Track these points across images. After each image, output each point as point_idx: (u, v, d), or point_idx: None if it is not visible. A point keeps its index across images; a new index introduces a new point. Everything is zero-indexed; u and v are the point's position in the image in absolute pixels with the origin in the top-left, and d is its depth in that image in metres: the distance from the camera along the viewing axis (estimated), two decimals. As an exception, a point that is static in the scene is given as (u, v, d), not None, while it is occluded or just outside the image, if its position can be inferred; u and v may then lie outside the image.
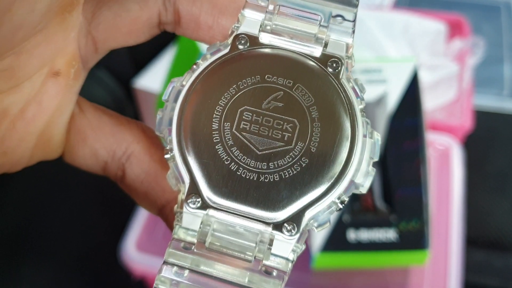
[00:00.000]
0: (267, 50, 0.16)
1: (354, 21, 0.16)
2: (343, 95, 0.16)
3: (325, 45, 0.16)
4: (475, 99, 0.62)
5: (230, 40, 0.16)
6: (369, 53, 0.48)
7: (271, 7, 0.16)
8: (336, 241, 0.40)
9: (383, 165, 0.42)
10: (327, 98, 0.16)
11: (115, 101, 0.60)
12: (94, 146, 0.18)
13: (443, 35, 0.52)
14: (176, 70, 0.53)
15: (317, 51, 0.16)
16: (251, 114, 0.15)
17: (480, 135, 0.62)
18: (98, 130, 0.18)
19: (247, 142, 0.15)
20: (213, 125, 0.15)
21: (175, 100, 0.16)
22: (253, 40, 0.16)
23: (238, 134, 0.15)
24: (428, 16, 0.57)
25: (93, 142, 0.18)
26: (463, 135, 0.52)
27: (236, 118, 0.15)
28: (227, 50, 0.16)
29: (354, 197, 0.42)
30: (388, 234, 0.40)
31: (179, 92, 0.16)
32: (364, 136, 0.16)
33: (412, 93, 0.41)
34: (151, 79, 0.59)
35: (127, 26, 0.17)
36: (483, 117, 0.63)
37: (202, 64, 0.16)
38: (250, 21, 0.16)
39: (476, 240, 0.57)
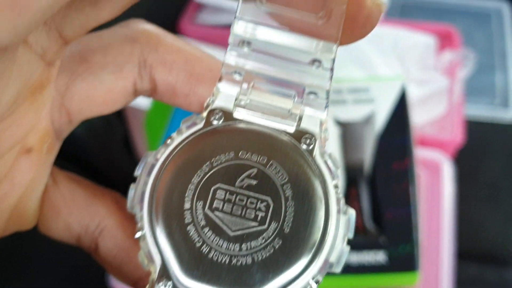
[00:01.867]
0: (241, 126, 0.16)
1: (327, 97, 0.16)
2: (316, 172, 0.16)
3: (300, 119, 0.16)
4: (467, 109, 0.61)
5: (205, 114, 0.16)
6: (357, 69, 0.48)
7: (245, 84, 0.16)
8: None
9: (372, 185, 0.42)
10: (301, 176, 0.16)
11: (103, 118, 0.60)
12: (67, 220, 0.18)
13: (432, 49, 0.52)
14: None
15: (290, 127, 0.16)
16: (224, 192, 0.15)
17: (472, 145, 0.62)
18: (72, 204, 0.18)
19: (219, 222, 0.15)
20: (185, 204, 0.15)
21: (148, 175, 0.16)
22: (227, 115, 0.16)
23: (210, 214, 0.15)
24: (419, 27, 0.57)
25: (66, 216, 0.18)
26: (454, 149, 0.51)
27: (209, 197, 0.15)
28: (201, 125, 0.16)
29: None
30: (378, 257, 0.40)
31: (152, 167, 0.16)
32: (338, 213, 0.15)
33: (400, 112, 0.41)
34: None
35: (102, 96, 0.17)
36: (475, 127, 0.63)
37: (177, 139, 0.16)
38: (225, 95, 0.16)
39: (469, 253, 0.57)
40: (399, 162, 0.40)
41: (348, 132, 0.43)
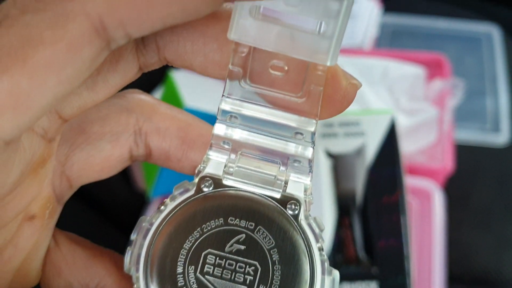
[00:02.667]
0: (230, 192, 0.17)
1: (310, 165, 0.18)
2: (302, 236, 0.17)
3: (285, 185, 0.17)
4: (458, 134, 0.62)
5: (196, 181, 0.17)
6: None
7: (233, 152, 0.18)
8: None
9: (364, 216, 0.42)
10: (287, 241, 0.17)
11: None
12: (68, 279, 0.19)
13: (421, 79, 0.53)
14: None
15: (276, 193, 0.17)
16: (214, 257, 0.16)
17: (464, 170, 0.62)
18: (72, 265, 0.19)
19: (210, 286, 0.16)
20: (178, 269, 0.16)
21: (143, 239, 0.17)
22: (217, 182, 0.17)
23: (202, 278, 0.16)
24: (409, 56, 0.58)
25: (67, 276, 0.19)
26: (445, 177, 0.52)
27: (200, 262, 0.16)
28: (192, 192, 0.17)
29: (337, 249, 0.42)
30: (370, 287, 0.40)
31: (147, 231, 0.17)
32: (323, 274, 0.16)
33: (390, 144, 0.42)
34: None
35: (100, 164, 0.19)
36: (466, 152, 0.64)
37: (170, 205, 0.17)
38: (215, 162, 0.18)
39: (461, 277, 0.57)
40: (390, 195, 0.41)
41: (340, 164, 0.44)
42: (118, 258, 0.20)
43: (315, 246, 0.17)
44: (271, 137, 0.17)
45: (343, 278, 0.41)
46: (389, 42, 0.75)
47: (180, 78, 0.51)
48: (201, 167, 0.18)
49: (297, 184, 0.17)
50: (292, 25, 0.16)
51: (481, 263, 0.58)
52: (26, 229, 0.17)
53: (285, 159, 0.17)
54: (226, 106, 0.17)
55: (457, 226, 0.59)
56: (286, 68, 0.17)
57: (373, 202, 0.42)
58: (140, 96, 0.19)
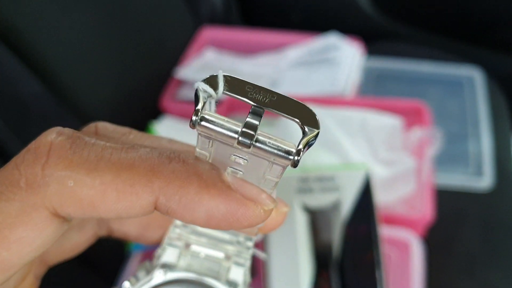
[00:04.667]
0: (183, 278, 0.20)
1: (249, 256, 0.21)
2: None
3: (228, 272, 0.21)
4: (441, 178, 0.63)
5: (155, 265, 0.20)
6: (327, 153, 0.50)
7: (185, 250, 0.21)
8: None
9: (341, 271, 0.43)
10: None
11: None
12: None
13: (399, 130, 0.54)
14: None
15: (222, 279, 0.20)
16: None
17: (447, 216, 0.63)
18: None
19: None
20: None
21: None
22: (172, 269, 0.20)
23: None
24: (389, 104, 0.59)
25: None
26: (425, 227, 0.53)
27: None
28: (151, 278, 0.20)
29: (314, 304, 0.43)
30: None
31: None
32: None
33: (365, 201, 0.43)
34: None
35: (70, 248, 0.22)
36: (449, 197, 0.64)
37: (135, 286, 0.20)
38: (170, 252, 0.21)
39: (447, 325, 0.57)
40: (365, 252, 0.42)
41: (316, 218, 0.44)
42: None
43: None
44: (217, 242, 0.21)
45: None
46: (373, 86, 0.76)
47: (160, 129, 0.52)
48: (160, 253, 0.21)
49: (238, 271, 0.21)
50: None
51: (466, 311, 0.57)
52: None
53: (229, 254, 0.21)
54: (174, 235, 0.21)
55: (441, 273, 0.59)
56: None
57: (349, 257, 0.42)
58: None
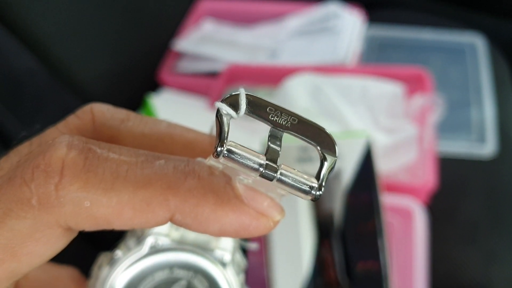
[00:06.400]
0: (172, 247, 0.21)
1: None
2: (229, 281, 0.21)
3: (217, 239, 0.22)
4: (443, 146, 0.62)
5: (148, 234, 0.21)
6: (329, 122, 0.49)
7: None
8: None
9: (343, 240, 0.42)
10: (218, 284, 0.21)
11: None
12: None
13: (400, 97, 0.53)
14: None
15: (212, 247, 0.22)
16: None
17: (450, 184, 0.62)
18: None
19: None
20: None
21: (103, 282, 0.21)
22: (164, 239, 0.21)
23: None
24: (391, 72, 0.58)
25: None
26: (427, 194, 0.52)
27: None
28: (144, 246, 0.21)
29: (318, 273, 0.42)
30: (350, 312, 0.40)
31: (107, 276, 0.21)
32: None
33: (366, 169, 0.42)
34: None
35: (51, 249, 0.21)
36: (452, 165, 0.64)
37: (126, 254, 0.21)
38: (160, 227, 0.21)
39: (450, 293, 0.57)
40: (367, 220, 0.41)
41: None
42: (75, 275, 0.24)
43: (237, 282, 0.21)
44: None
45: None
46: (375, 55, 0.75)
47: (158, 103, 0.51)
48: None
49: (227, 239, 0.22)
50: None
51: (469, 278, 0.57)
52: None
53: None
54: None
55: (444, 241, 0.59)
56: None
57: (351, 225, 0.42)
58: None
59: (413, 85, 0.60)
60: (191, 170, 0.18)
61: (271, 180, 0.16)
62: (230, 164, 0.16)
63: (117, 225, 0.17)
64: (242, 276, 0.21)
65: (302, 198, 0.17)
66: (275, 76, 0.61)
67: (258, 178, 0.17)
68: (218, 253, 0.21)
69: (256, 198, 0.18)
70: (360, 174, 0.42)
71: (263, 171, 0.16)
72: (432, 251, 0.52)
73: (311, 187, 0.16)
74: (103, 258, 0.21)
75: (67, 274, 0.23)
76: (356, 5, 0.75)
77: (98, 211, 0.17)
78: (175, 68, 0.71)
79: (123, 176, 0.17)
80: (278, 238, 0.41)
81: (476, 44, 0.77)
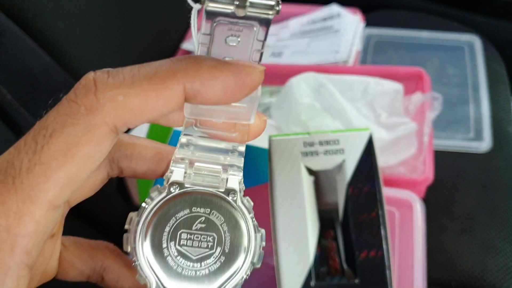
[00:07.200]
0: (190, 191, 0.25)
1: (241, 170, 0.26)
2: (240, 213, 0.25)
3: (226, 182, 0.25)
4: (441, 142, 0.64)
5: (166, 185, 0.25)
6: (331, 118, 0.51)
7: (189, 166, 0.25)
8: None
9: (345, 230, 0.44)
10: (231, 216, 0.25)
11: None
12: (80, 268, 0.27)
13: (401, 94, 0.55)
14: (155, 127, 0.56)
15: (221, 188, 0.25)
16: (186, 234, 0.24)
17: (447, 176, 0.64)
18: (80, 258, 0.27)
19: (186, 252, 0.24)
20: (163, 244, 0.24)
21: (136, 228, 0.24)
22: (181, 185, 0.25)
23: (180, 248, 0.24)
24: (389, 71, 0.60)
25: (79, 266, 0.27)
26: (426, 187, 0.54)
27: (177, 238, 0.24)
28: (165, 194, 0.25)
29: (322, 262, 0.44)
30: (353, 297, 0.42)
31: (137, 223, 0.24)
32: (255, 232, 0.25)
33: (368, 161, 0.44)
34: (136, 134, 0.64)
35: (88, 188, 0.26)
36: (449, 158, 0.66)
37: (150, 203, 0.25)
38: (177, 172, 0.25)
39: (448, 283, 0.59)
40: (370, 210, 0.43)
41: (321, 179, 0.46)
42: (111, 246, 0.28)
43: (248, 216, 0.25)
44: (215, 153, 0.26)
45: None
46: (372, 56, 0.77)
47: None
48: (169, 174, 0.25)
49: (234, 180, 0.26)
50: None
51: (466, 268, 0.60)
52: (48, 244, 0.25)
53: (225, 166, 0.26)
54: (183, 139, 0.26)
55: (441, 232, 0.61)
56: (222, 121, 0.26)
57: (353, 216, 0.44)
58: None
59: (412, 84, 0.62)
60: (185, 56, 0.23)
61: (243, 7, 0.22)
62: (212, 5, 0.23)
63: (149, 112, 0.22)
64: (252, 214, 0.25)
65: (266, 19, 0.23)
66: (278, 75, 0.63)
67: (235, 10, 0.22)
68: (228, 192, 0.25)
69: (240, 61, 0.24)
70: (363, 166, 0.44)
71: (237, 2, 0.22)
72: (429, 242, 0.54)
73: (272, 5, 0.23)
74: (132, 214, 0.25)
75: (103, 244, 0.28)
76: (353, 8, 0.77)
77: (130, 101, 0.22)
78: (182, 46, 0.72)
79: (137, 74, 0.22)
80: (284, 229, 0.43)
81: (474, 43, 0.79)
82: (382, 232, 0.43)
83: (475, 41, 0.79)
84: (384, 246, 0.43)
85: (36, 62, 0.58)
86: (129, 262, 0.28)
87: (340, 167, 0.45)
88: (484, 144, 0.67)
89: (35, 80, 0.57)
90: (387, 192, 0.50)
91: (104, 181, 0.27)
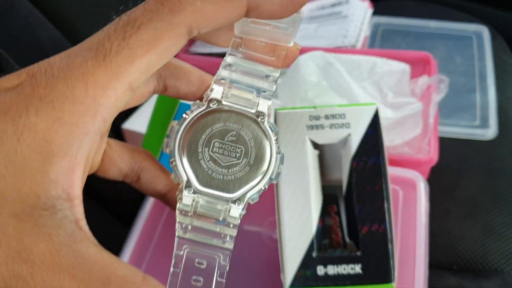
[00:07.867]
0: (226, 108, 0.29)
1: (272, 95, 0.29)
2: (265, 132, 0.29)
3: (257, 105, 0.29)
4: (447, 129, 0.64)
5: (205, 101, 0.29)
6: (338, 97, 0.51)
7: (228, 86, 0.29)
8: (306, 277, 0.42)
9: (348, 203, 0.45)
10: (258, 134, 0.29)
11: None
12: (120, 166, 0.31)
13: (408, 75, 0.55)
14: (157, 114, 0.56)
15: (253, 110, 0.29)
16: (219, 143, 0.28)
17: (452, 162, 0.65)
18: (122, 157, 0.31)
19: (217, 158, 0.28)
20: (198, 149, 0.28)
21: (176, 134, 0.28)
22: (219, 102, 0.29)
23: (212, 154, 0.28)
24: (396, 55, 0.60)
25: (119, 164, 0.31)
26: (430, 168, 0.55)
27: (211, 146, 0.28)
28: (204, 107, 0.28)
29: (324, 235, 0.45)
30: (355, 270, 0.43)
31: (177, 130, 0.28)
32: (277, 153, 0.29)
33: (373, 135, 0.44)
34: (138, 121, 0.64)
35: (136, 98, 0.30)
36: (454, 145, 0.66)
37: (191, 114, 0.28)
38: (217, 91, 0.29)
39: (450, 265, 0.59)
40: (374, 183, 0.43)
41: (326, 153, 0.46)
42: (148, 152, 0.32)
43: (272, 138, 0.29)
44: (252, 77, 0.29)
45: (329, 262, 0.43)
46: (379, 42, 0.77)
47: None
48: (208, 93, 0.28)
49: (264, 104, 0.29)
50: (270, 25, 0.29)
51: (468, 252, 0.60)
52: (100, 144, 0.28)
53: (258, 90, 0.29)
54: (228, 58, 0.29)
55: (444, 216, 0.61)
56: (264, 44, 0.29)
57: (357, 189, 0.44)
58: None
59: (418, 68, 0.62)
60: None
61: None
62: None
63: (219, 19, 0.25)
64: (276, 137, 0.29)
65: None
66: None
67: None
68: (258, 114, 0.29)
69: None
70: (369, 141, 0.44)
71: None
72: (432, 225, 0.55)
73: None
74: (173, 122, 0.28)
75: (142, 148, 0.32)
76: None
77: (206, 7, 0.25)
78: (190, 48, 0.73)
79: None
80: (288, 200, 0.43)
81: (482, 33, 0.79)
82: (386, 205, 0.43)
83: (484, 31, 0.79)
84: (387, 220, 0.44)
85: (46, 36, 0.59)
86: (163, 167, 0.32)
87: (345, 141, 0.45)
88: (490, 132, 0.67)
89: (45, 53, 0.58)
90: (391, 171, 0.50)
91: (150, 95, 0.30)
